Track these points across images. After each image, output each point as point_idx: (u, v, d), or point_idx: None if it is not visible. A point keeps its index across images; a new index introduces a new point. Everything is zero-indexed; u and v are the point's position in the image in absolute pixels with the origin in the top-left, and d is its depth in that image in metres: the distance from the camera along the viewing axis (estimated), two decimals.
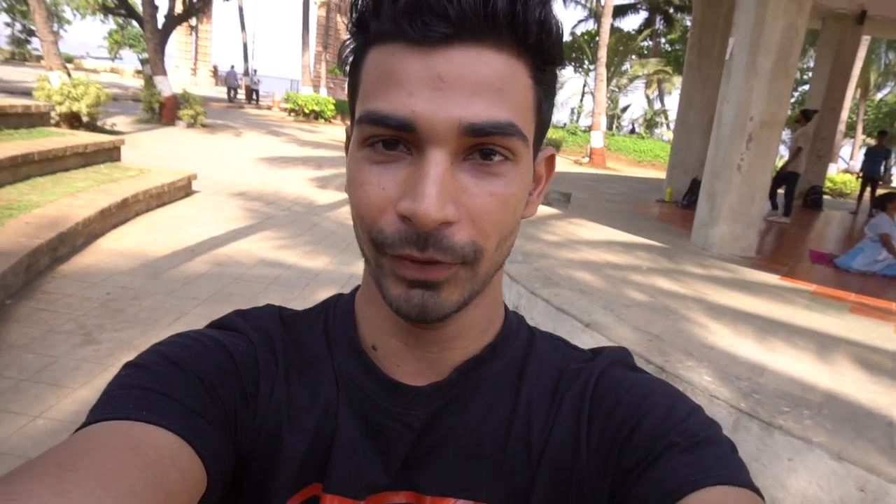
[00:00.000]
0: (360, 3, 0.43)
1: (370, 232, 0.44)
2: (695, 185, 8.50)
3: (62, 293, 4.20)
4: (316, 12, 32.64)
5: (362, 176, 0.44)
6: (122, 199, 6.06)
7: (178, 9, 19.52)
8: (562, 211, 7.60)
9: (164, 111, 14.76)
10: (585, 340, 3.51)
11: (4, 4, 37.04)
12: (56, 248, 4.73)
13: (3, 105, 7.35)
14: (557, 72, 0.47)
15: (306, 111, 21.67)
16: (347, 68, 0.47)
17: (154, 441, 0.40)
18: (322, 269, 5.44)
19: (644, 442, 0.46)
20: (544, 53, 0.44)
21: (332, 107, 22.09)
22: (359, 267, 5.65)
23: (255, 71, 28.18)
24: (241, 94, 27.55)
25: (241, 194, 8.19)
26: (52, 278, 4.44)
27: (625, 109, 34.38)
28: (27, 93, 11.95)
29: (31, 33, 36.99)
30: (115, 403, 0.42)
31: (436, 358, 0.51)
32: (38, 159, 6.31)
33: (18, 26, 39.84)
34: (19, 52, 37.47)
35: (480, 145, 0.42)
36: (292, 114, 22.12)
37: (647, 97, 31.04)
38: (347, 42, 0.47)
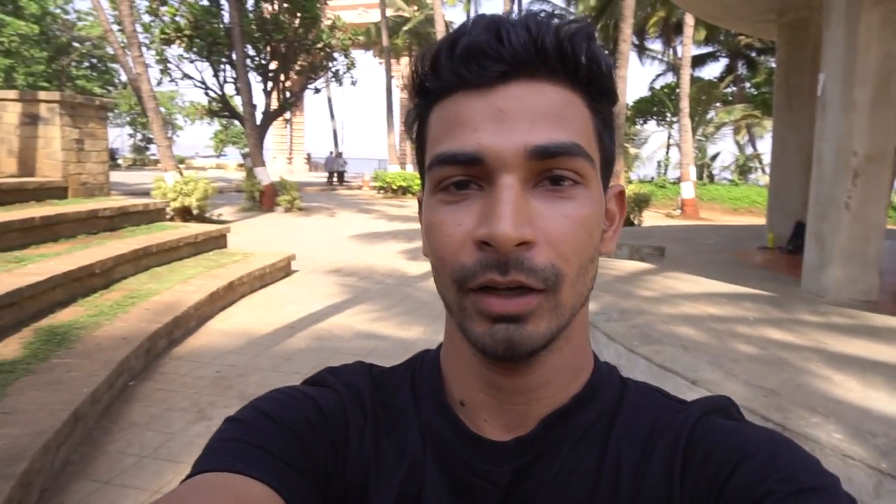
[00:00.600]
0: (418, 68, 0.47)
1: (452, 271, 0.44)
2: (799, 229, 8.01)
3: (177, 373, 4.47)
4: (398, 95, 34.48)
5: (438, 217, 0.45)
6: (229, 282, 6.47)
7: (274, 105, 21.23)
8: (656, 265, 7.35)
9: (264, 199, 15.83)
10: (692, 399, 3.30)
11: (128, 118, 41.64)
12: (171, 331, 5.08)
13: (127, 205, 8.16)
14: (613, 110, 0.49)
15: (394, 188, 22.53)
16: (414, 134, 0.50)
17: (250, 493, 0.43)
18: (416, 339, 5.49)
19: (739, 490, 0.42)
20: (597, 85, 0.46)
21: (418, 181, 22.78)
22: None
23: (341, 154, 29.75)
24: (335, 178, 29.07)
25: (336, 271, 8.53)
26: (169, 360, 4.75)
27: (714, 157, 33.36)
28: (146, 193, 13.20)
29: (150, 141, 41.13)
30: (216, 456, 0.46)
31: (522, 410, 0.50)
32: (156, 251, 6.90)
33: (139, 136, 44.58)
34: (139, 159, 41.74)
35: (548, 171, 0.44)
36: (381, 191, 23.06)
37: (738, 143, 30.05)
38: (411, 109, 0.51)
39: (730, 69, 27.51)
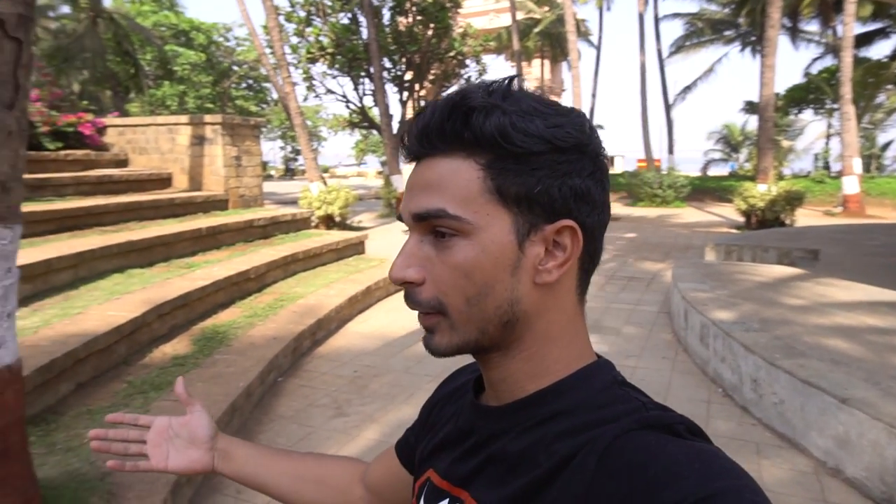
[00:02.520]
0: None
1: None
2: None
3: (319, 371, 4.84)
4: None
5: None
6: (366, 287, 6.87)
7: (409, 114, 22.08)
8: (808, 270, 6.76)
9: (399, 205, 16.50)
10: (843, 419, 3.04)
11: (279, 132, 45.35)
12: (315, 332, 5.51)
13: (278, 215, 8.94)
14: (537, 156, 0.55)
15: None
16: None
17: (390, 453, 0.87)
18: None
19: None
20: (498, 150, 0.55)
21: None
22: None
23: None
24: None
25: None
26: (312, 358, 5.15)
27: (885, 147, 29.81)
28: (294, 202, 14.30)
29: (298, 152, 44.45)
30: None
31: (497, 395, 0.63)
32: (302, 257, 7.49)
33: (289, 148, 48.36)
34: (289, 169, 45.26)
35: (434, 227, 0.57)
36: None
37: None
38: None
39: None
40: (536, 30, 27.25)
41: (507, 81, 0.58)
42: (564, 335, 0.61)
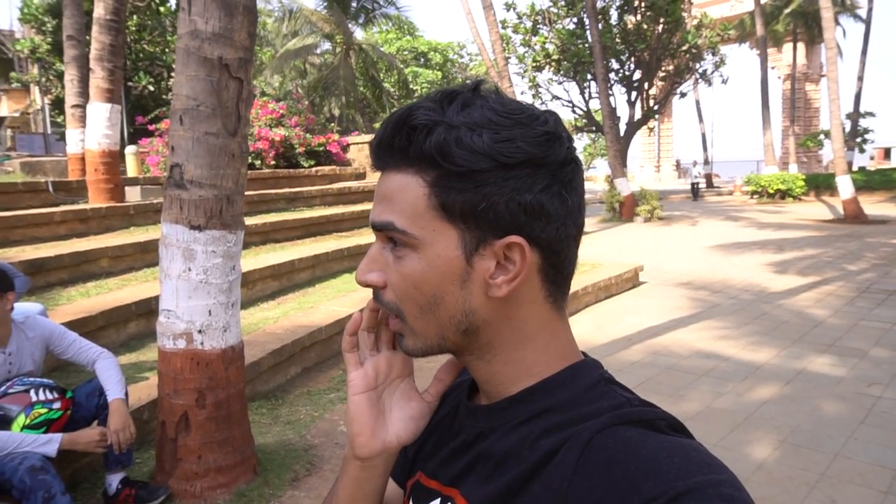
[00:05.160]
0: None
1: None
2: None
3: None
4: (780, 87, 30.82)
5: None
6: (574, 291, 6.80)
7: (638, 115, 21.25)
8: None
9: (623, 209, 16.00)
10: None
11: None
12: None
13: None
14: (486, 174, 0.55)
15: (770, 191, 20.21)
16: None
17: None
18: (765, 363, 4.93)
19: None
20: (440, 167, 0.55)
21: (801, 183, 20.03)
22: (811, 361, 4.92)
23: (695, 163, 25.30)
24: (702, 184, 26.53)
25: (686, 283, 8.16)
26: None
27: None
28: None
29: None
30: None
31: (486, 395, 0.65)
32: None
33: None
34: None
35: (387, 236, 0.59)
36: (754, 196, 20.94)
37: None
38: None
39: None
40: (787, 10, 24.29)
41: (472, 88, 0.58)
42: (539, 339, 0.60)
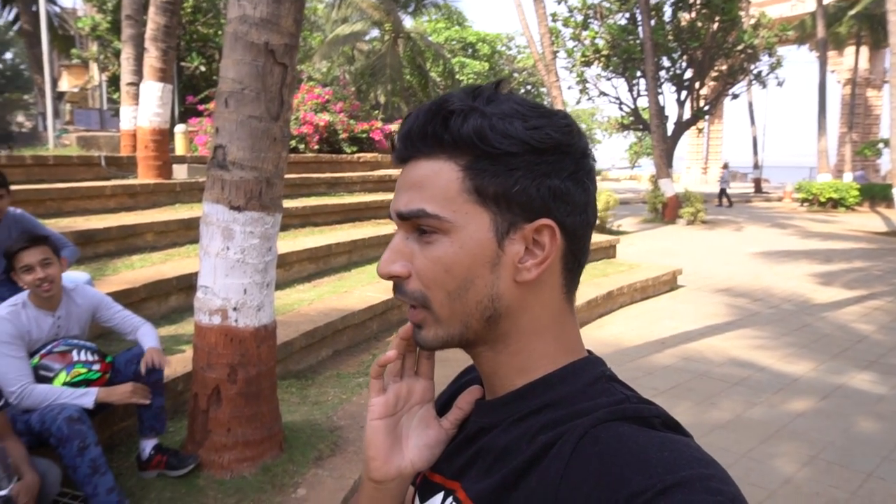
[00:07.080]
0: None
1: None
2: None
3: None
4: (839, 91, 29.70)
5: None
6: (608, 291, 6.74)
7: (687, 115, 20.78)
8: None
9: (666, 210, 15.70)
10: None
11: None
12: None
13: None
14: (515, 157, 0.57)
15: (821, 200, 19.54)
16: None
17: None
18: (801, 376, 4.81)
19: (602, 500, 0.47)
20: (476, 151, 0.57)
21: (855, 192, 19.30)
22: (851, 377, 4.78)
23: (725, 165, 22.82)
24: (728, 190, 22.12)
25: (726, 290, 7.98)
26: None
27: None
28: None
29: None
30: None
31: (490, 388, 0.65)
32: None
33: None
34: None
35: (415, 225, 0.59)
36: (805, 203, 20.28)
37: None
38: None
39: None
40: (852, 12, 23.33)
41: (494, 86, 0.61)
42: (550, 331, 0.62)
